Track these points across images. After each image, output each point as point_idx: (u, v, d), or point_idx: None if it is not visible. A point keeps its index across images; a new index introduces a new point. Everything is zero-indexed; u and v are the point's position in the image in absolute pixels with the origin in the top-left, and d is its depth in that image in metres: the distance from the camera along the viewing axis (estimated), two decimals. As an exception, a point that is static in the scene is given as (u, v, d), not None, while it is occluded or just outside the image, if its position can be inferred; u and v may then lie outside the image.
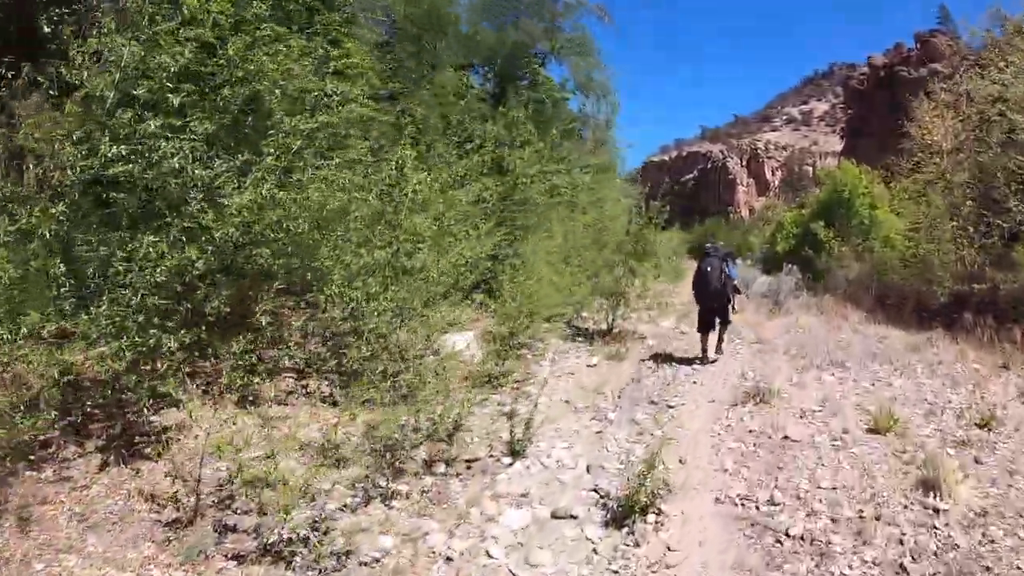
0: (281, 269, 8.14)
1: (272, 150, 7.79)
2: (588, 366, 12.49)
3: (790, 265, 21.81)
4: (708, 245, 13.35)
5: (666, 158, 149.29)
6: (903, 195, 23.58)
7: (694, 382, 11.42)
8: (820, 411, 9.50)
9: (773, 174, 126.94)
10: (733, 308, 12.65)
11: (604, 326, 15.38)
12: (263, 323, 7.91)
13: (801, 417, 9.27)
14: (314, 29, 15.62)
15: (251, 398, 7.88)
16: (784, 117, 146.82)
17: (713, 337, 12.77)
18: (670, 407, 9.99)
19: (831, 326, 16.61)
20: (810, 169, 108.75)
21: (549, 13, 25.31)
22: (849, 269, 22.96)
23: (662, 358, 13.18)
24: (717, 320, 12.56)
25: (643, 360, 13.10)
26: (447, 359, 9.76)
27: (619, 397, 10.62)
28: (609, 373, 12.09)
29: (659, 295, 16.30)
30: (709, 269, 12.12)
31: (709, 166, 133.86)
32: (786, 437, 8.46)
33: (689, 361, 12.92)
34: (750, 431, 8.80)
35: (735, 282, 12.57)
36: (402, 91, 18.23)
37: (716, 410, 9.84)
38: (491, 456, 8.16)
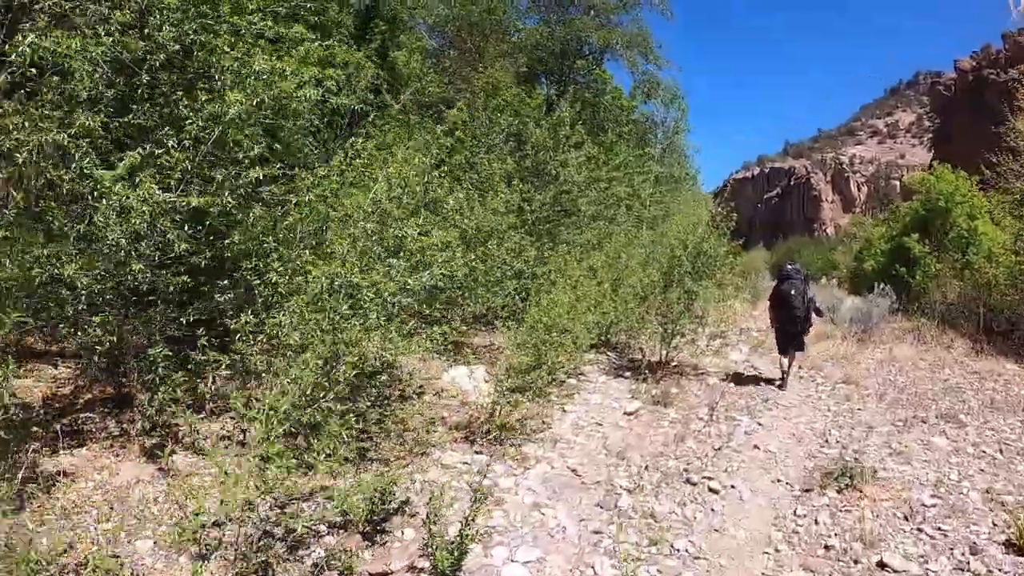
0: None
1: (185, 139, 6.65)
2: (625, 414, 9.65)
3: (882, 286, 18.35)
4: (789, 266, 12.02)
5: (749, 175, 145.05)
6: (1003, 205, 21.03)
7: (756, 446, 8.39)
8: (933, 507, 6.51)
9: (859, 189, 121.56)
10: (806, 332, 11.51)
11: (657, 357, 12.37)
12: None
13: (906, 519, 6.25)
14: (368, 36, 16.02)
15: (169, 443, 6.34)
16: (869, 130, 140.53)
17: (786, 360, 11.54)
18: (712, 491, 7.00)
19: (933, 360, 13.62)
20: (897, 183, 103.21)
21: (603, 6, 22.44)
22: (947, 289, 19.45)
23: (721, 405, 10.16)
24: (791, 347, 11.41)
25: (695, 408, 10.12)
26: (425, 406, 8.58)
27: (646, 468, 7.63)
28: (647, 427, 9.21)
29: (730, 321, 13.32)
30: (794, 292, 11.12)
31: (793, 182, 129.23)
32: (883, 565, 5.40)
33: (754, 411, 9.97)
34: (827, 547, 5.77)
35: (817, 304, 11.55)
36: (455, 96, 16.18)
37: (779, 499, 6.88)
38: (409, 572, 5.33)
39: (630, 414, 9.63)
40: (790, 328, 11.31)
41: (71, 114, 6.20)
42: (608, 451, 8.12)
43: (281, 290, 6.64)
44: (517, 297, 11.26)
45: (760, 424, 9.18)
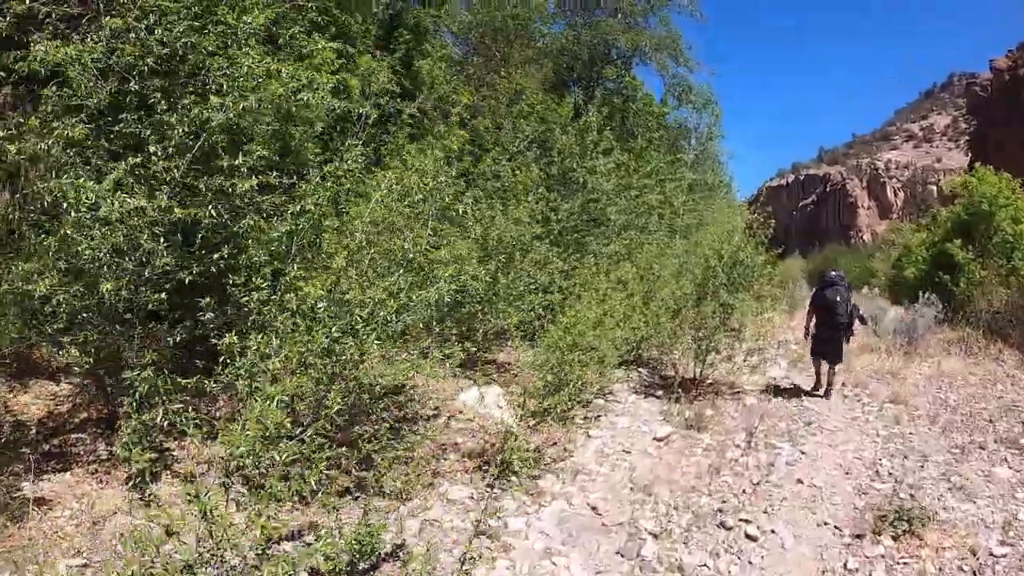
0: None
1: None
2: (655, 439, 8.86)
3: (927, 294, 17.30)
4: (833, 273, 11.58)
5: (784, 182, 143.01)
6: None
7: (799, 480, 7.50)
8: (1003, 557, 5.70)
9: (895, 195, 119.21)
10: (848, 340, 11.24)
11: (691, 375, 11.57)
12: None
13: (975, 575, 5.41)
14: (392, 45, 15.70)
15: (159, 468, 5.97)
16: (904, 134, 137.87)
17: (825, 367, 11.27)
18: (750, 537, 6.13)
19: (983, 374, 12.71)
20: (934, 188, 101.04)
21: (629, 8, 21.64)
22: (993, 296, 18.39)
23: (760, 429, 9.31)
24: (826, 356, 11.19)
25: (731, 432, 9.29)
26: (437, 431, 7.94)
27: (676, 508, 6.80)
28: (678, 455, 8.40)
29: (768, 334, 12.48)
30: (839, 299, 10.80)
31: (828, 189, 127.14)
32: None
33: (796, 436, 9.11)
34: (886, 607, 4.86)
35: (861, 312, 11.28)
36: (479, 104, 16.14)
37: (827, 547, 6.03)
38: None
39: (660, 440, 8.85)
40: (832, 335, 10.94)
41: (68, 124, 5.83)
42: (634, 485, 7.32)
43: (268, 309, 5.95)
44: (534, 313, 10.43)
45: (803, 452, 8.32)
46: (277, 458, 4.89)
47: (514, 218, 11.12)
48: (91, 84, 6.09)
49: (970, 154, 75.94)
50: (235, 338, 5.60)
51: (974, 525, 6.22)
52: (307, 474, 4.87)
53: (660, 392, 11.16)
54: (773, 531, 6.14)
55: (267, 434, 4.49)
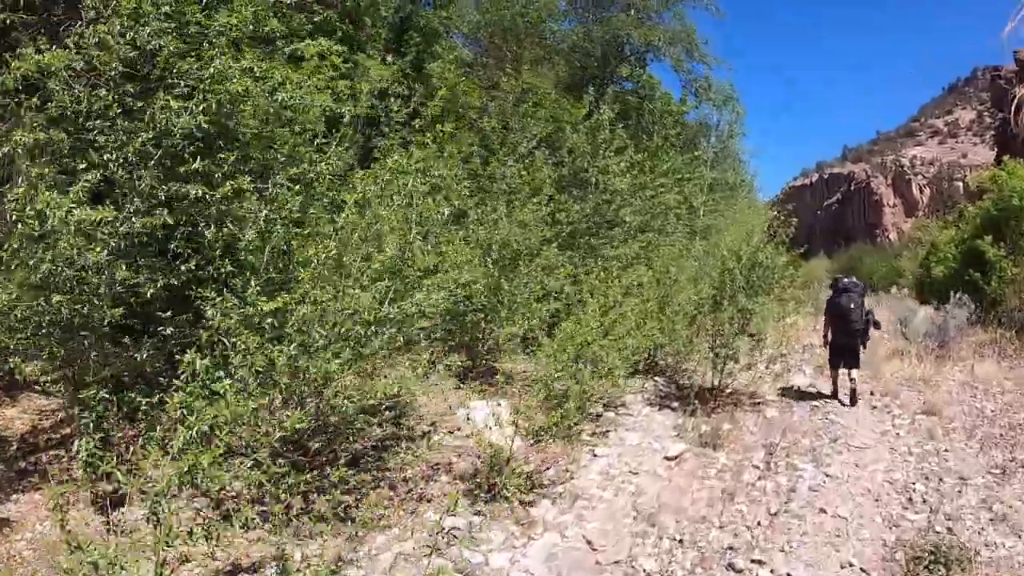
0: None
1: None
2: (666, 458, 8.16)
3: (959, 295, 16.42)
4: (846, 280, 11.33)
5: (808, 182, 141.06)
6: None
7: (822, 510, 6.69)
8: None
9: (921, 192, 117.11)
10: (864, 346, 10.81)
11: (709, 385, 10.87)
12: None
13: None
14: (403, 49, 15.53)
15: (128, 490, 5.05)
16: (929, 130, 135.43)
17: (844, 378, 10.84)
18: None
19: (1020, 379, 11.92)
20: (960, 184, 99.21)
21: (642, 3, 20.90)
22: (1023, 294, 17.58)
23: (781, 446, 8.58)
24: (844, 363, 10.79)
25: (750, 450, 8.57)
26: (433, 449, 7.36)
27: (681, 543, 6.05)
28: (690, 477, 7.67)
29: (792, 339, 11.77)
30: (852, 306, 10.51)
31: (853, 188, 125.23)
32: None
33: (820, 455, 8.33)
34: None
35: (875, 318, 11.09)
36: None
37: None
38: None
39: (672, 459, 8.15)
40: (848, 342, 10.61)
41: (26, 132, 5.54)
42: (638, 513, 6.60)
43: (234, 324, 5.39)
44: (539, 321, 9.77)
45: (827, 475, 7.52)
46: (230, 483, 4.43)
47: (519, 221, 10.50)
48: (64, 92, 5.80)
49: (996, 148, 74.16)
50: (196, 355, 5.06)
51: (1020, 567, 5.47)
52: (268, 499, 4.66)
53: (676, 403, 10.46)
54: (789, 575, 5.41)
55: (194, 462, 3.97)
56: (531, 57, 19.24)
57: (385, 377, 7.12)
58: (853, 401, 10.51)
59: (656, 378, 11.77)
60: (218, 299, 5.45)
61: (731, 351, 10.38)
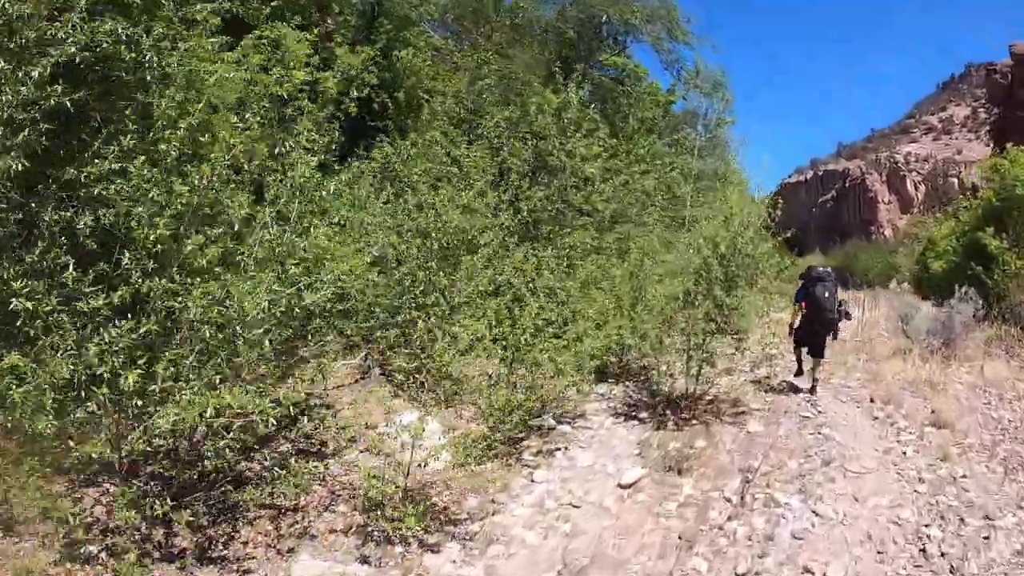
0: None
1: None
2: (619, 486, 6.62)
3: (965, 289, 14.77)
4: (820, 269, 10.81)
5: (802, 179, 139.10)
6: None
7: (807, 569, 5.01)
8: None
9: (916, 189, 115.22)
10: (834, 337, 10.57)
11: (681, 390, 9.27)
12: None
13: None
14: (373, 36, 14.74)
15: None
16: (923, 126, 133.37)
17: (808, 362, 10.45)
18: None
19: None
20: (955, 181, 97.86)
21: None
22: None
23: (762, 471, 6.96)
24: (811, 352, 10.29)
25: (723, 475, 6.97)
26: (326, 469, 5.99)
27: None
28: (644, 513, 6.07)
29: (780, 337, 10.20)
30: (827, 294, 10.05)
31: (847, 185, 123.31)
32: None
33: (808, 484, 6.63)
34: None
35: (847, 309, 10.91)
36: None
37: None
38: None
39: (626, 487, 6.60)
40: (819, 332, 10.08)
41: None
42: (564, 566, 5.03)
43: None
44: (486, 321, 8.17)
45: (817, 514, 5.83)
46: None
47: (462, 205, 8.99)
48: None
49: (992, 143, 73.00)
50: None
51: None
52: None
53: (645, 413, 8.96)
54: None
55: None
56: (502, 40, 17.66)
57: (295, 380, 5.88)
58: (813, 390, 10.03)
59: (628, 383, 10.24)
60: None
61: (707, 353, 8.76)
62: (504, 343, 7.69)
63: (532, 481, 6.68)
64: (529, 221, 11.46)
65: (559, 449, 7.65)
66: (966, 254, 20.97)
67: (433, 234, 8.81)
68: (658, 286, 9.77)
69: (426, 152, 11.56)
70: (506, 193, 11.06)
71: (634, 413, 9.08)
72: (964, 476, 6.68)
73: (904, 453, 7.38)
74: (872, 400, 9.54)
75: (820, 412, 9.07)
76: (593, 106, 13.65)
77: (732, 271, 8.89)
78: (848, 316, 11.19)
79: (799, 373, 10.70)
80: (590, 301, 10.23)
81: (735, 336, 9.45)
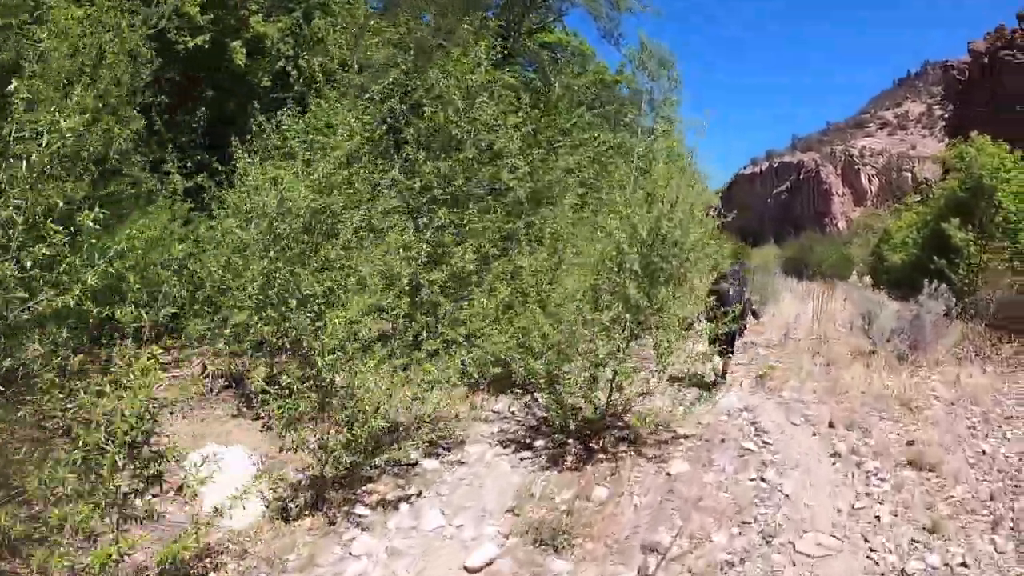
0: None
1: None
2: (465, 569, 4.45)
3: (934, 284, 12.77)
4: (735, 265, 10.43)
5: (757, 170, 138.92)
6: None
7: None
8: None
9: (870, 182, 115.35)
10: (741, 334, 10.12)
11: (592, 412, 6.98)
12: None
13: None
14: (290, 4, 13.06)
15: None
16: (878, 121, 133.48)
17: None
18: None
19: (1021, 396, 8.60)
20: (909, 175, 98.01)
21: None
22: (999, 285, 15.02)
23: (674, 551, 4.75)
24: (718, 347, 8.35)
25: (619, 550, 4.82)
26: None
27: None
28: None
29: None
30: (731, 292, 9.45)
31: (802, 176, 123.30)
32: None
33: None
34: None
35: (754, 307, 10.47)
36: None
37: None
38: None
39: (475, 572, 4.41)
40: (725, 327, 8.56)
41: None
42: None
43: None
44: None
45: None
46: None
47: (315, 183, 6.89)
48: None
49: (947, 139, 72.79)
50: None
51: None
52: None
53: (542, 441, 6.84)
54: None
55: None
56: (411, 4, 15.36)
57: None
58: (722, 379, 9.64)
59: (536, 397, 8.06)
60: None
61: (617, 371, 6.56)
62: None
63: (349, 554, 4.54)
64: (424, 201, 9.35)
65: (408, 498, 5.59)
66: (928, 246, 19.63)
67: (279, 217, 7.01)
68: (567, 281, 7.61)
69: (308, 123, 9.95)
70: (392, 168, 8.92)
71: (529, 440, 7.01)
72: (963, 564, 4.54)
73: (878, 518, 5.21)
74: (832, 425, 7.43)
75: (766, 443, 6.94)
76: (509, 71, 11.42)
77: (654, 263, 6.72)
78: (756, 315, 10.88)
79: (715, 382, 9.67)
80: (492, 297, 8.16)
81: (664, 343, 7.30)
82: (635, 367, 6.82)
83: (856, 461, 6.38)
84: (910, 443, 6.79)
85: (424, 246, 8.21)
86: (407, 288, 7.39)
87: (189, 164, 10.05)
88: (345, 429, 5.46)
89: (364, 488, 5.95)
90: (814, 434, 7.26)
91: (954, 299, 13.40)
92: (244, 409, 7.39)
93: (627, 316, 6.58)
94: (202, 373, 8.29)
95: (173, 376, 8.11)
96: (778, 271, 33.84)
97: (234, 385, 8.06)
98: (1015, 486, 5.77)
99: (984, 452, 6.63)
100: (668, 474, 6.19)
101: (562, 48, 18.93)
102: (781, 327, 14.41)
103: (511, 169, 10.29)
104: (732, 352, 9.92)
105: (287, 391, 5.44)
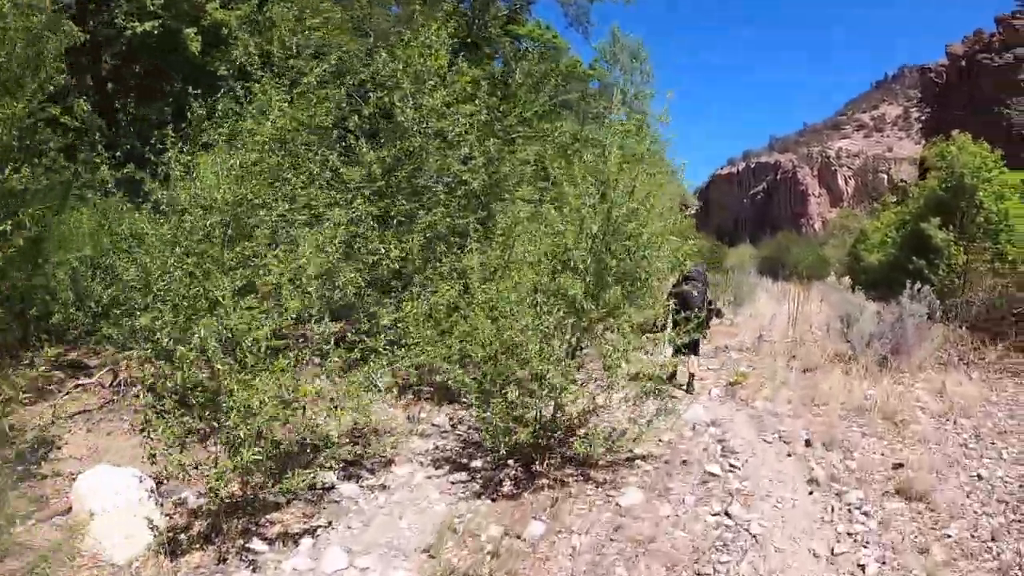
0: None
1: None
2: None
3: (917, 286, 11.94)
4: (692, 268, 9.27)
5: (734, 170, 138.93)
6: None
7: None
8: None
9: (846, 183, 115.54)
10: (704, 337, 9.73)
11: (528, 435, 5.93)
12: None
13: None
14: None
15: None
16: (855, 123, 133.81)
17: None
18: None
19: (1011, 401, 8.01)
20: (885, 176, 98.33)
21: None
22: (981, 286, 14.52)
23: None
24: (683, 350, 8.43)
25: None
26: None
27: None
28: None
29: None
30: (695, 292, 9.13)
31: (779, 177, 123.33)
32: None
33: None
34: None
35: (717, 307, 10.59)
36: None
37: None
38: None
39: None
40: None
41: None
42: None
43: None
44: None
45: None
46: None
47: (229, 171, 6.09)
48: None
49: (923, 141, 72.80)
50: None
51: None
52: None
53: (480, 461, 5.88)
54: None
55: None
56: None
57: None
58: (690, 388, 9.09)
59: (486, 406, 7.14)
60: None
61: (557, 384, 5.56)
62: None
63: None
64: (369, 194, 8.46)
65: (314, 531, 4.89)
66: (907, 246, 19.13)
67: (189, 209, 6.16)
68: (503, 283, 6.68)
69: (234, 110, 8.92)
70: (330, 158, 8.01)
71: (467, 460, 6.08)
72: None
73: (862, 568, 4.28)
74: (808, 443, 6.53)
75: (733, 467, 6.03)
76: (473, 62, 10.48)
77: (606, 261, 5.79)
78: (719, 315, 10.80)
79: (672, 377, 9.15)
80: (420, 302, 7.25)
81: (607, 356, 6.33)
82: (586, 378, 5.91)
83: (836, 490, 5.46)
84: (897, 466, 5.90)
85: (338, 243, 7.26)
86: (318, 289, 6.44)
87: (118, 154, 9.14)
88: (234, 449, 4.61)
89: (269, 517, 5.08)
90: (789, 454, 6.36)
91: (937, 301, 12.71)
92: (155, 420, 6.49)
93: (570, 321, 5.62)
94: (113, 381, 7.49)
95: (77, 384, 7.42)
96: (753, 271, 33.29)
97: (147, 394, 7.19)
98: (1019, 521, 4.88)
99: (980, 477, 5.74)
100: (618, 505, 5.27)
101: (533, 41, 18.08)
102: (755, 329, 13.58)
103: (464, 159, 9.40)
104: (697, 354, 9.38)
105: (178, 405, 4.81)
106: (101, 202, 8.87)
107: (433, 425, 7.32)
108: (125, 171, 8.41)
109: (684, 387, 9.08)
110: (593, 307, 5.58)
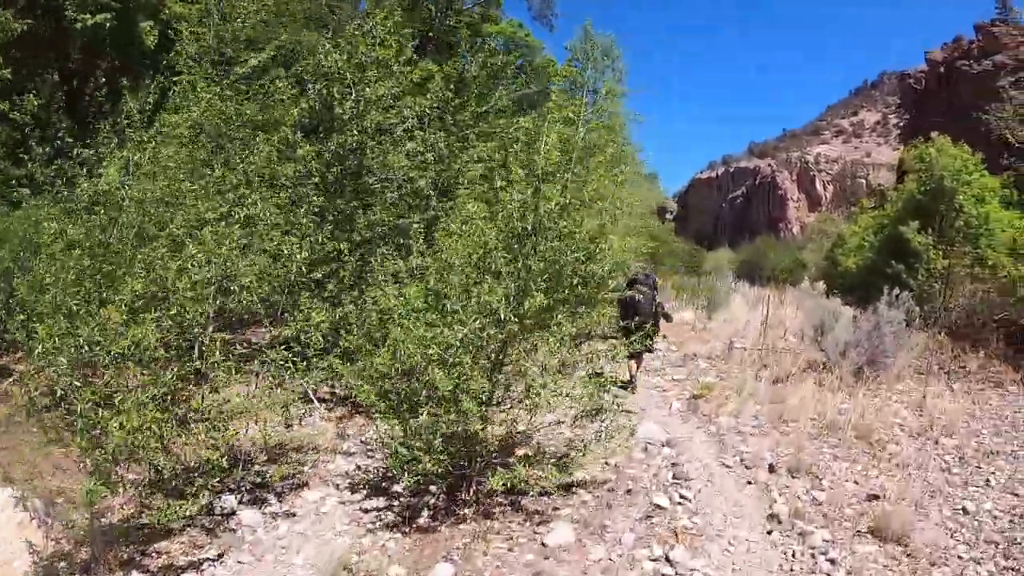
0: None
1: None
2: None
3: (895, 293, 11.20)
4: (640, 274, 9.70)
5: (714, 175, 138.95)
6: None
7: None
8: None
9: (825, 188, 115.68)
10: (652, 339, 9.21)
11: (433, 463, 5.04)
12: None
13: None
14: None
15: None
16: (834, 129, 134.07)
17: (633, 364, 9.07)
18: None
19: (995, 414, 7.65)
20: (863, 182, 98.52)
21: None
22: (960, 292, 14.14)
23: None
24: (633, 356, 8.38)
25: None
26: None
27: None
28: None
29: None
30: (641, 298, 9.03)
31: (758, 182, 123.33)
32: None
33: None
34: None
35: (665, 310, 10.16)
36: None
37: None
38: None
39: None
40: (635, 332, 7.62)
41: None
42: None
43: None
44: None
45: None
46: None
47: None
48: None
49: (902, 147, 72.69)
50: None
51: None
52: None
53: (403, 486, 5.09)
54: None
55: None
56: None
57: None
58: (633, 388, 9.09)
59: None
60: None
61: (471, 408, 4.70)
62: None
63: None
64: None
65: (200, 565, 4.37)
66: (884, 250, 18.42)
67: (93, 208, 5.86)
68: (411, 288, 5.89)
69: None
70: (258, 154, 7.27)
71: (387, 484, 5.24)
72: None
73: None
74: (772, 469, 5.73)
75: (684, 498, 5.20)
76: (428, 52, 9.67)
77: (532, 267, 4.95)
78: (668, 318, 10.40)
79: (632, 384, 9.25)
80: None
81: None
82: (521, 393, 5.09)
83: (800, 529, 4.65)
84: (872, 497, 5.11)
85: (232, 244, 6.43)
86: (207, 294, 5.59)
87: (48, 149, 8.41)
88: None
89: (158, 545, 4.52)
90: (749, 482, 5.56)
91: (916, 307, 12.06)
92: (65, 434, 5.72)
93: (487, 334, 4.76)
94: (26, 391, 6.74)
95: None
96: (731, 275, 32.88)
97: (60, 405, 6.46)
98: (1013, 570, 4.08)
99: (965, 511, 4.96)
100: (543, 544, 4.45)
101: (506, 39, 17.36)
102: (728, 335, 12.80)
103: (410, 155, 8.58)
104: (651, 351, 9.56)
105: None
106: (32, 201, 8.35)
107: (361, 442, 6.51)
108: (54, 166, 7.74)
109: (626, 386, 8.89)
110: (512, 317, 4.72)
